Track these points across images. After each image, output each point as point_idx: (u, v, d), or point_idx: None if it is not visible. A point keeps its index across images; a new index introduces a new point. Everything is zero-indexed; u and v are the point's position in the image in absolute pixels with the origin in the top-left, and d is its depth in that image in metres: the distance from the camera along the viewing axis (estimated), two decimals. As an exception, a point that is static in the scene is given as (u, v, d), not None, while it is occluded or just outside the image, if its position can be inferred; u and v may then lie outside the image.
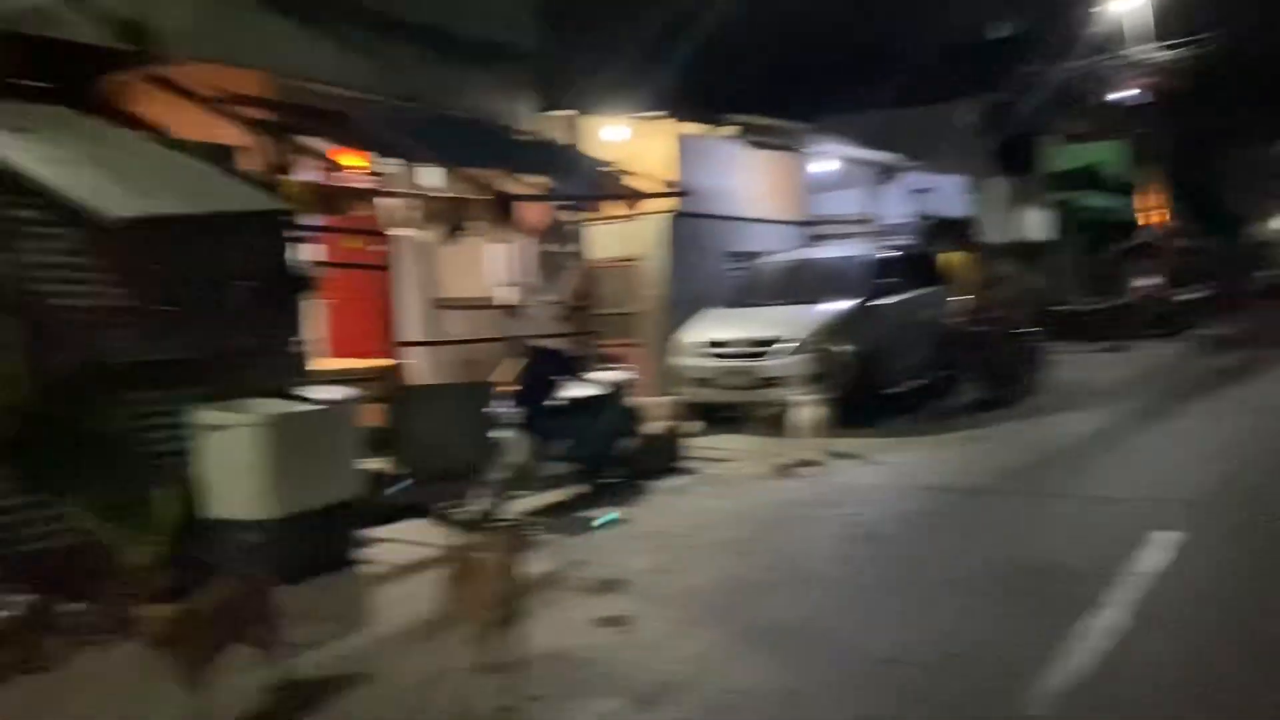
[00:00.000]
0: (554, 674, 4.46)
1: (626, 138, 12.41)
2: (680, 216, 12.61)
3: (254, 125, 7.82)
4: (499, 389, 7.83)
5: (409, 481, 7.64)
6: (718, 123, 13.98)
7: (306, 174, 8.33)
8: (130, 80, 7.66)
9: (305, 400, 6.45)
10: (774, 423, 9.30)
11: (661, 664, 4.58)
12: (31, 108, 6.48)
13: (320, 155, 8.40)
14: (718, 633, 4.99)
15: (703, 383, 11.36)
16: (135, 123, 7.32)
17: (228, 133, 7.72)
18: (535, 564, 5.52)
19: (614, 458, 8.59)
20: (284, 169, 7.87)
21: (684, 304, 12.33)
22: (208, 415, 6.05)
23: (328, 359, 8.76)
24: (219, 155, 7.22)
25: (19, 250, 5.54)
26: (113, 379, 5.88)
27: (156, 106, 7.64)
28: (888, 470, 9.09)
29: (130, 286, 6.07)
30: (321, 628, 5.24)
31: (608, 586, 5.77)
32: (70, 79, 7.02)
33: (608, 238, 11.88)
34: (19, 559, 5.16)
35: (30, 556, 5.20)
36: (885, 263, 12.74)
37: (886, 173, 17.49)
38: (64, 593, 5.16)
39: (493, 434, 7.60)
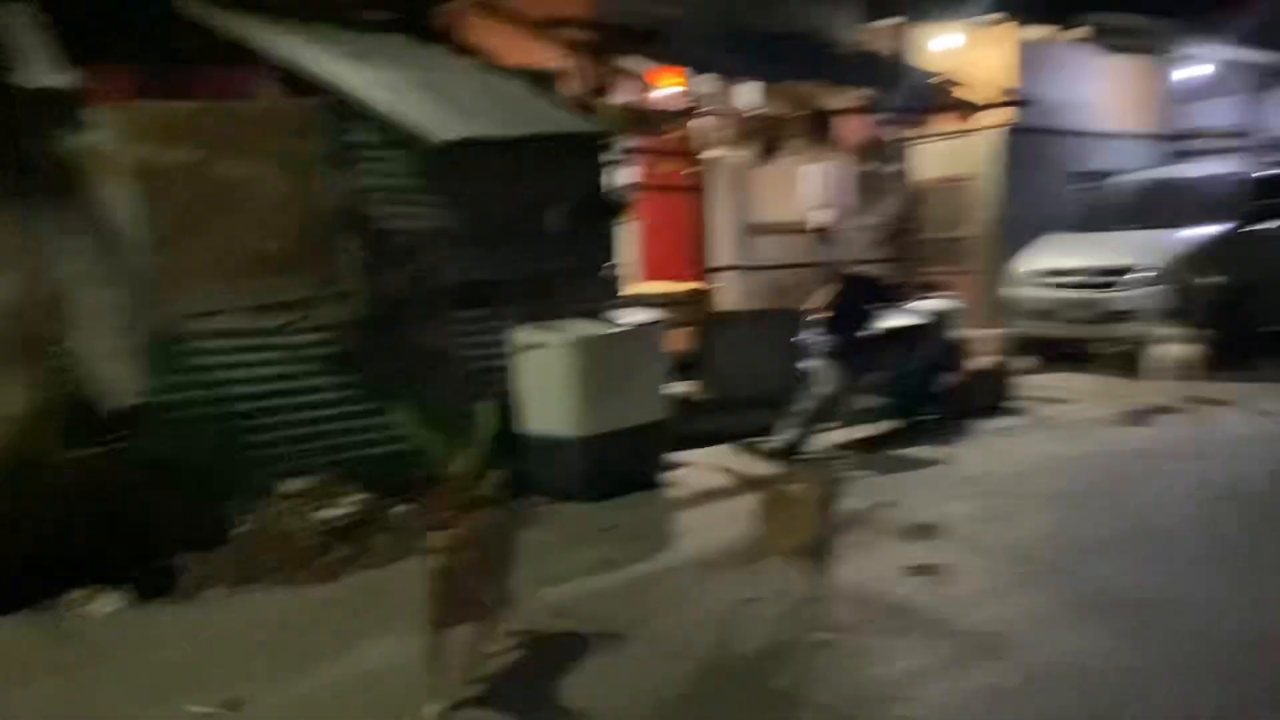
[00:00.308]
0: (861, 619, 4.15)
1: (960, 46, 11.41)
2: (1019, 131, 11.46)
3: (574, 47, 7.87)
4: (811, 317, 7.47)
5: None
6: (1066, 24, 12.54)
7: (624, 95, 8.32)
8: (460, 8, 7.93)
9: (617, 323, 6.47)
10: (1123, 361, 8.29)
11: (978, 621, 4.13)
12: (370, 36, 6.84)
13: (637, 76, 8.35)
14: (1043, 594, 4.43)
15: (1040, 315, 10.38)
16: (464, 49, 7.57)
17: (549, 56, 7.83)
18: (844, 502, 5.22)
19: (933, 394, 8.01)
20: (602, 91, 7.88)
21: (1020, 228, 11.25)
22: (524, 335, 6.21)
23: (639, 282, 8.81)
24: (541, 80, 7.32)
25: (356, 174, 5.85)
26: (439, 297, 6.15)
27: (484, 33, 7.87)
28: (1265, 422, 7.81)
29: (456, 209, 6.27)
30: (625, 548, 5.24)
31: (921, 532, 5.33)
32: (406, 9, 7.35)
33: (935, 156, 11.03)
34: (354, 462, 5.53)
35: (364, 461, 5.56)
36: (1267, 182, 10.96)
37: (1274, 77, 15.02)
38: (392, 496, 5.50)
39: (802, 363, 7.28)
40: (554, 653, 3.88)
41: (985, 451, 7.28)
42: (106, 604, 4.44)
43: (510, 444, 6.07)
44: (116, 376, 4.90)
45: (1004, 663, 3.75)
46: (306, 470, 5.37)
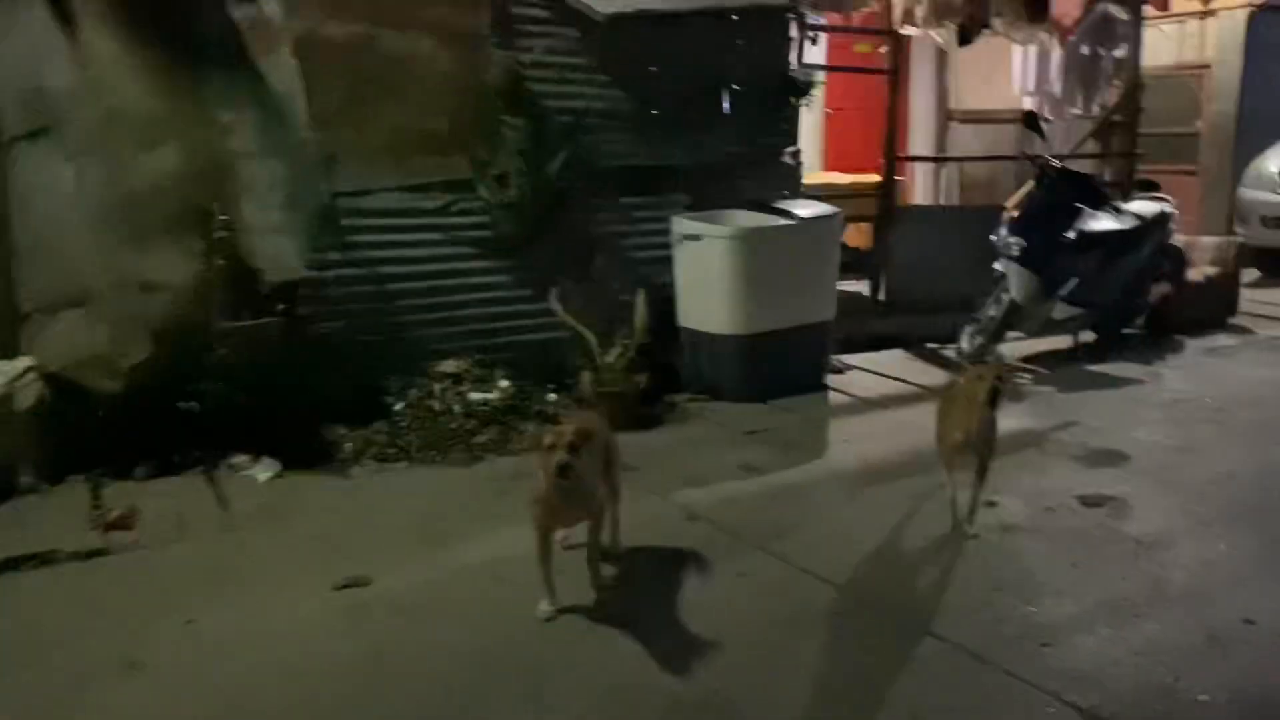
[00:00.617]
0: (1019, 550, 3.81)
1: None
2: (1270, 11, 10.04)
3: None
4: (1007, 215, 6.83)
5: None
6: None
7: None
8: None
9: (789, 215, 6.10)
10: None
11: (1156, 565, 3.68)
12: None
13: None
14: (1240, 540, 3.91)
15: (1281, 223, 9.26)
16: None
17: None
18: (1020, 417, 4.80)
19: (1140, 306, 7.26)
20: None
21: (1263, 124, 9.95)
22: (686, 224, 5.94)
23: (820, 172, 8.33)
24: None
25: (521, 50, 5.66)
26: (602, 182, 5.95)
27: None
28: None
29: (624, 88, 6.03)
30: (774, 454, 5.00)
31: (1104, 458, 4.83)
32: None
33: (1167, 40, 9.82)
34: (507, 347, 5.50)
35: (517, 346, 5.52)
36: None
37: None
38: (543, 382, 5.45)
39: (993, 266, 6.69)
40: (678, 560, 3.72)
41: (1194, 373, 6.57)
42: (262, 471, 4.59)
43: (669, 338, 5.90)
44: (279, 250, 4.98)
45: (1182, 615, 3.33)
46: (460, 352, 5.38)
